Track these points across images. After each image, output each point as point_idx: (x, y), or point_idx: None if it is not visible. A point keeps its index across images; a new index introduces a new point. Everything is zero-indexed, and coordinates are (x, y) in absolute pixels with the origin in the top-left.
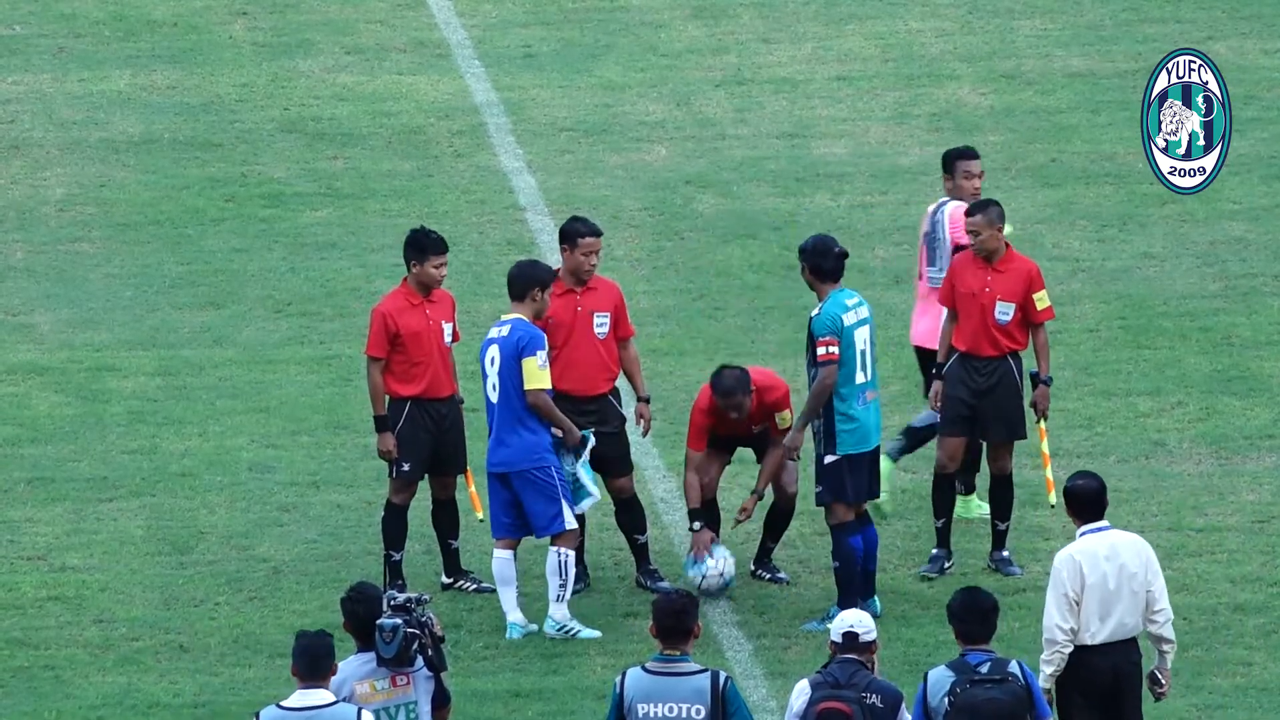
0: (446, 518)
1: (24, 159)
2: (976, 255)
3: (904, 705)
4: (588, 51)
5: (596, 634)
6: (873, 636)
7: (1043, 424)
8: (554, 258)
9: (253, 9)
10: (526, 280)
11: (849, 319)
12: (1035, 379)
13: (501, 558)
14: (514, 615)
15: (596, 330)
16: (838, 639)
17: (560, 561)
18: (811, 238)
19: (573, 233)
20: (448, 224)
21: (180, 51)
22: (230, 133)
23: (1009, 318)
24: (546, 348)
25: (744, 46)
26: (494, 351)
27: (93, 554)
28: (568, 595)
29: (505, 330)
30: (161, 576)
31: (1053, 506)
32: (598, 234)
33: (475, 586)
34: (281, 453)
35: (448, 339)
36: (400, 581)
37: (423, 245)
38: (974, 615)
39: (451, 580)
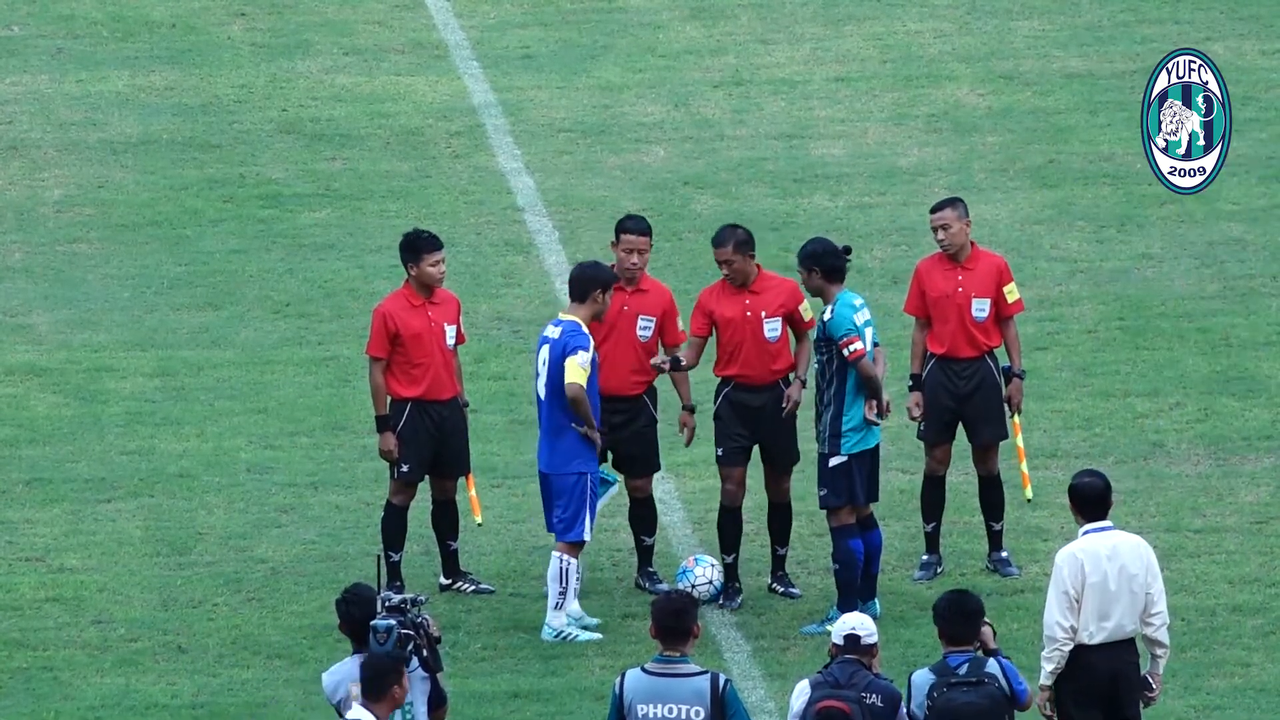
0: (446, 519)
1: (22, 160)
2: (944, 255)
3: (903, 705)
4: (586, 52)
5: (597, 636)
6: (874, 639)
7: (1017, 418)
8: (552, 258)
9: (251, 10)
10: (589, 281)
11: (858, 319)
12: (1009, 373)
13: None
14: (569, 606)
15: (639, 332)
16: (839, 641)
17: (561, 568)
18: (816, 242)
19: (619, 228)
20: (445, 224)
21: (178, 52)
22: (228, 133)
23: (985, 314)
24: (593, 350)
25: (742, 47)
26: (545, 353)
27: (91, 555)
28: (567, 604)
29: (557, 333)
30: (160, 577)
31: (1029, 500)
32: (643, 232)
33: (473, 588)
34: (280, 454)
35: (450, 341)
36: (398, 583)
37: (416, 245)
38: (959, 617)
39: (450, 581)
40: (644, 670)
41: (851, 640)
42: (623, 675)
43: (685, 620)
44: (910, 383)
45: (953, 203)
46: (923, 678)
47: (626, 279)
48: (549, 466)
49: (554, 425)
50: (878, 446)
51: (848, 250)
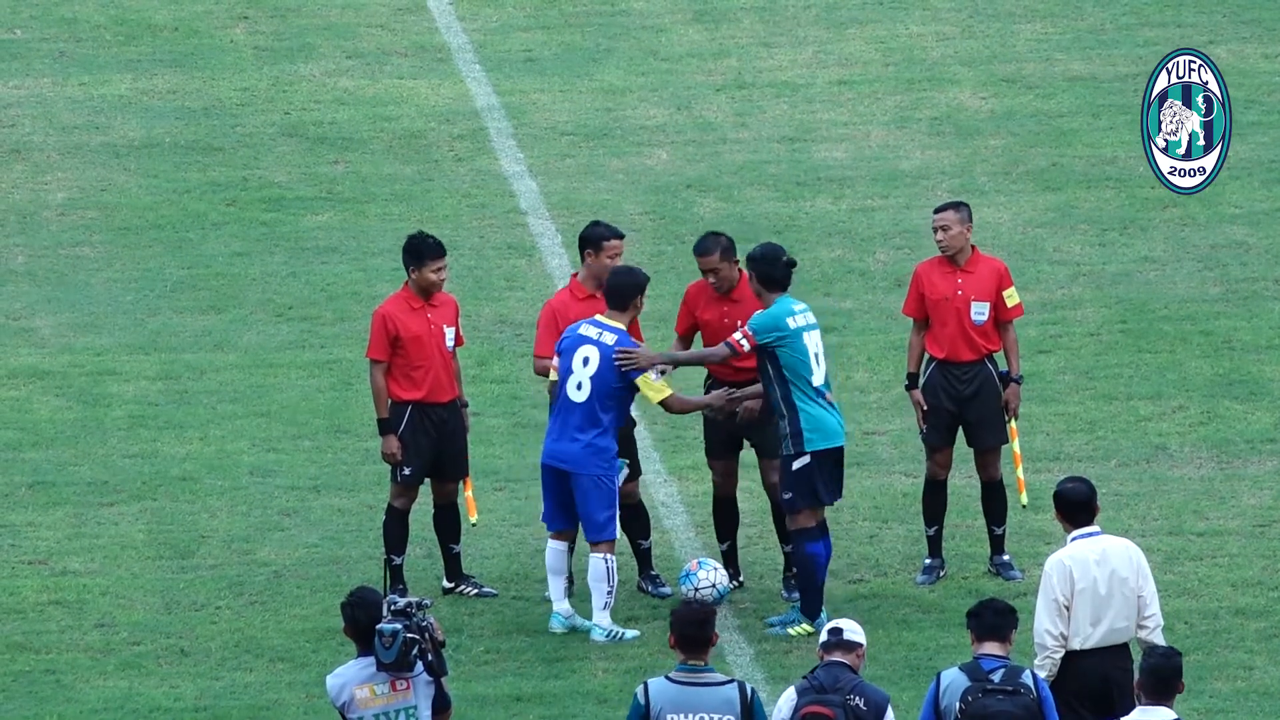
0: (448, 522)
1: (25, 163)
2: (944, 258)
3: (890, 708)
4: (588, 55)
5: (637, 633)
6: (858, 636)
7: (1014, 423)
8: (555, 260)
9: (253, 13)
10: (630, 288)
11: (794, 322)
12: (1006, 378)
13: (554, 548)
14: (560, 605)
15: None
16: (825, 637)
17: (607, 568)
18: (760, 246)
19: (597, 237)
20: (448, 228)
21: (181, 55)
22: (231, 137)
23: (985, 318)
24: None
25: (745, 50)
26: (590, 353)
27: (94, 558)
28: (613, 602)
29: (609, 339)
30: (162, 581)
31: (1024, 506)
32: (621, 236)
33: (476, 591)
34: (282, 457)
35: (450, 343)
36: (401, 586)
37: (419, 250)
38: (992, 613)
39: (453, 585)
40: (669, 679)
41: (835, 633)
42: (646, 684)
43: (706, 630)
44: (907, 383)
45: (956, 205)
46: (956, 677)
47: (600, 284)
48: (574, 465)
49: (588, 425)
50: (842, 448)
51: (792, 263)
